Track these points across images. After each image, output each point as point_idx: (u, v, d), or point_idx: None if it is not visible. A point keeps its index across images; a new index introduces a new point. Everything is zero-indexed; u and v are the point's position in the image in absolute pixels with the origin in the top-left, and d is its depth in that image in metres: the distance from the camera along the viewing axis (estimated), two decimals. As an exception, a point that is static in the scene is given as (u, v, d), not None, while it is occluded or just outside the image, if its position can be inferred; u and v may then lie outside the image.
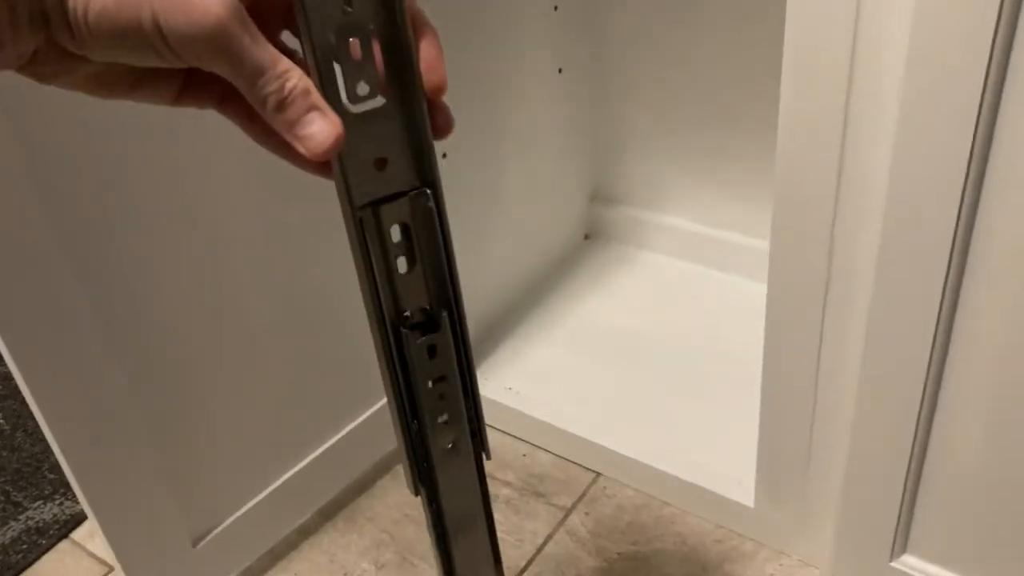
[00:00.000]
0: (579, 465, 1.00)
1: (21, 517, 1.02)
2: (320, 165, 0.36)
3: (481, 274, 1.09)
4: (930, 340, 0.64)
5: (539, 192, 1.15)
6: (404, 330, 0.42)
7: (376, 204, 0.38)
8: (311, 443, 0.94)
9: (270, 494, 0.90)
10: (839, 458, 0.77)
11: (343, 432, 0.96)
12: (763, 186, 1.12)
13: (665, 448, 0.95)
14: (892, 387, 0.68)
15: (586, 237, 1.29)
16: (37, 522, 1.01)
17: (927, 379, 0.66)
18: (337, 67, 0.34)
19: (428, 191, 0.39)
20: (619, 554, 0.90)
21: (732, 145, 1.12)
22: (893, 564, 0.77)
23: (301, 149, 0.33)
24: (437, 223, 0.40)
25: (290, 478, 0.92)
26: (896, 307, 0.65)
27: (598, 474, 0.99)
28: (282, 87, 0.32)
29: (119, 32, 0.29)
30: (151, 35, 0.29)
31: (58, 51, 0.30)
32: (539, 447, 1.03)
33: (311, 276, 0.86)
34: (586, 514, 0.95)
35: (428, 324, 0.42)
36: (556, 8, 1.08)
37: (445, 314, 0.42)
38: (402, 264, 0.41)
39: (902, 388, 0.68)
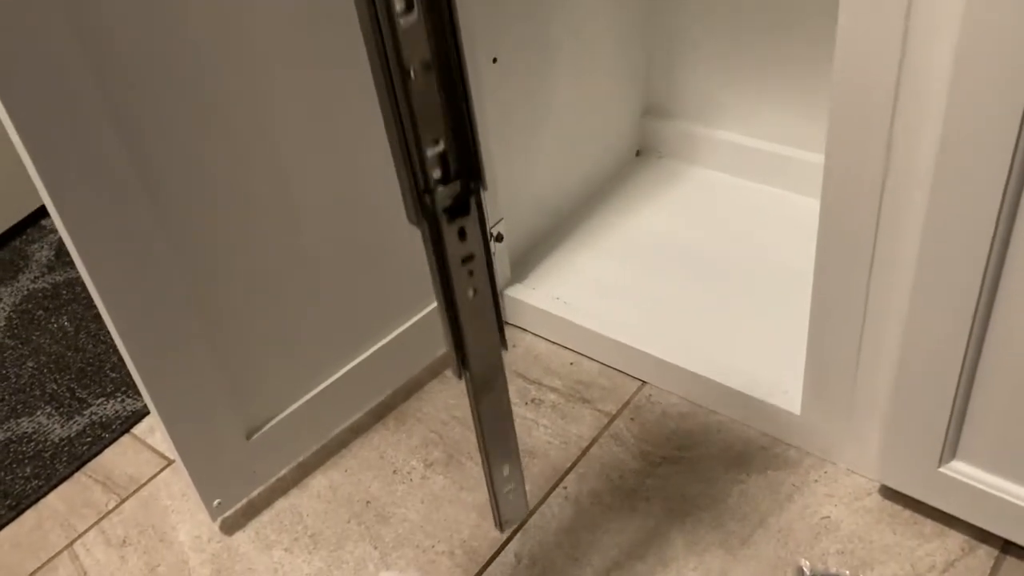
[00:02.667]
0: (625, 373, 1.01)
1: (86, 412, 1.06)
2: None
3: (531, 185, 1.09)
4: (988, 240, 0.63)
5: (590, 105, 1.14)
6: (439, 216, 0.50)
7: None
8: (362, 343, 0.96)
9: (322, 392, 0.93)
10: (888, 365, 0.76)
11: (394, 334, 0.98)
12: (819, 100, 1.09)
13: (711, 357, 0.95)
14: (947, 290, 0.67)
15: (638, 153, 1.27)
16: (101, 417, 1.05)
17: (984, 280, 0.65)
18: None
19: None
20: (663, 459, 0.91)
21: (788, 58, 1.09)
22: (942, 470, 0.77)
23: None
24: (462, 92, 0.48)
25: (342, 377, 0.94)
26: (954, 207, 0.63)
27: (644, 382, 0.99)
28: None
29: None
30: None
31: None
32: (585, 355, 1.04)
33: (366, 177, 0.87)
34: (631, 420, 0.96)
35: (457, 208, 0.50)
36: (611, -90, 1.05)
37: (472, 199, 0.51)
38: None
39: (957, 290, 0.66)
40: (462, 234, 0.52)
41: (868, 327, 0.76)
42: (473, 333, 0.57)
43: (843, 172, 0.70)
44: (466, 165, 0.51)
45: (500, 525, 0.72)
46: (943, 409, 0.73)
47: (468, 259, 0.53)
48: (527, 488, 0.89)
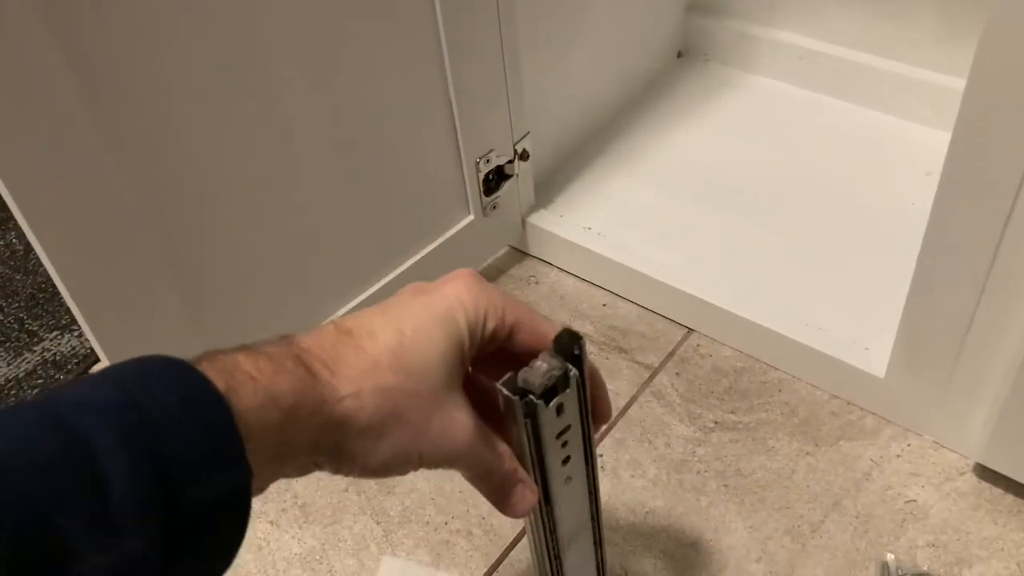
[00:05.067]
0: (668, 319, 0.86)
1: (36, 348, 0.91)
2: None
3: (559, 94, 0.92)
4: None
5: (629, -3, 0.96)
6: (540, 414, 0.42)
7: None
8: (360, 285, 0.80)
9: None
10: (1016, 329, 0.61)
11: (396, 272, 0.82)
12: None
13: (773, 303, 0.81)
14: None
15: (679, 55, 1.09)
16: (54, 354, 0.91)
17: None
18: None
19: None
20: (715, 422, 0.77)
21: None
22: (1063, 455, 0.64)
23: (504, 512, 0.41)
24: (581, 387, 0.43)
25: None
26: None
27: (691, 330, 0.85)
28: (502, 473, 0.41)
29: (389, 468, 0.37)
30: (412, 464, 0.38)
31: (310, 470, 0.37)
32: (621, 296, 0.89)
33: (357, 108, 0.70)
34: (676, 375, 0.82)
35: (554, 387, 0.42)
36: None
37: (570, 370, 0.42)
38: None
39: None
40: (559, 410, 0.43)
41: (993, 281, 0.61)
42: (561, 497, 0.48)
43: (990, 93, 0.54)
44: None
45: None
46: (1080, 387, 0.59)
47: (564, 431, 0.45)
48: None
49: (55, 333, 0.93)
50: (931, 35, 0.91)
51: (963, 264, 0.62)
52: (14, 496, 0.24)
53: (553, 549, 0.49)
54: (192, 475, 0.28)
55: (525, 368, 0.40)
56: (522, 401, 0.39)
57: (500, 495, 0.41)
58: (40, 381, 0.88)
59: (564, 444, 0.44)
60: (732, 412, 0.78)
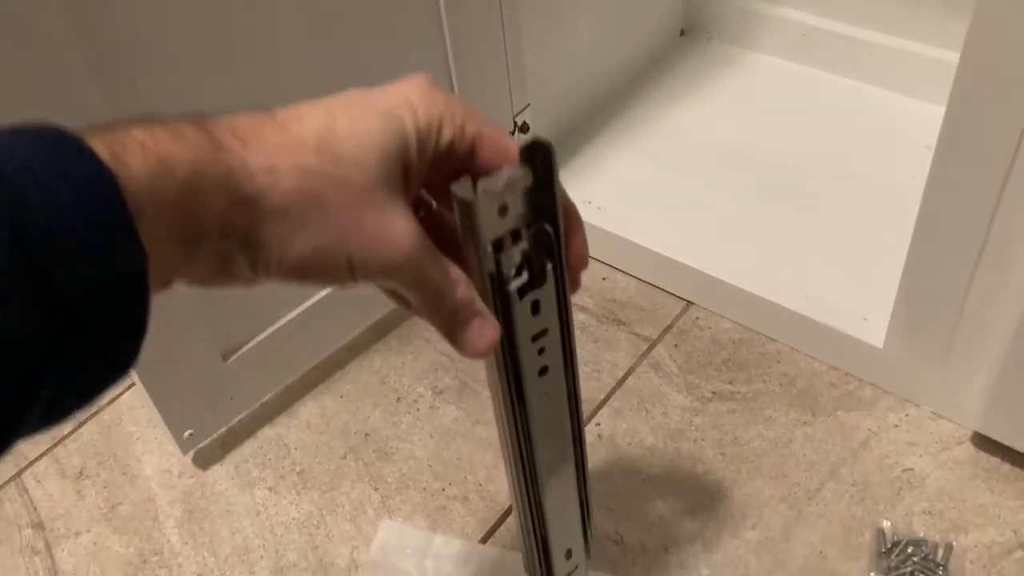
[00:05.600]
0: (667, 292, 0.86)
1: (40, 319, 0.92)
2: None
3: (559, 70, 0.92)
4: None
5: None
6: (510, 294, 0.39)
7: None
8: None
9: (314, 305, 0.78)
10: (1012, 299, 0.61)
11: (397, 240, 0.83)
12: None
13: (771, 275, 0.81)
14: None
15: (682, 33, 1.09)
16: (57, 325, 0.91)
17: None
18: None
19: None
20: (713, 393, 0.77)
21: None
22: (1060, 422, 0.64)
23: (460, 350, 0.36)
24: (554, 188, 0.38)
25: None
26: None
27: (689, 303, 0.85)
28: (453, 300, 0.35)
29: (307, 273, 0.32)
30: (342, 271, 0.32)
31: (229, 274, 0.31)
32: (620, 270, 0.89)
33: (358, 57, 0.70)
34: (675, 346, 0.82)
35: (531, 280, 0.39)
36: None
37: (549, 265, 0.39)
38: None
39: None
40: (535, 308, 0.40)
41: (988, 252, 0.61)
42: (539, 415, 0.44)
43: (984, 68, 0.54)
44: None
45: None
46: (1077, 352, 0.59)
47: (540, 335, 0.41)
48: (554, 425, 0.76)
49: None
50: (933, 11, 0.91)
51: (958, 234, 0.62)
52: None
53: (531, 476, 0.46)
54: (70, 249, 0.23)
55: (484, 177, 0.35)
56: (474, 192, 0.34)
57: (453, 326, 0.35)
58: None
59: (536, 305, 0.39)
60: (730, 383, 0.78)
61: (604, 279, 0.89)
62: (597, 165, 0.95)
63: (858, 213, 0.86)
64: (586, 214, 0.89)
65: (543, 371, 0.42)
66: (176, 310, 0.68)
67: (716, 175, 0.92)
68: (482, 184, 0.34)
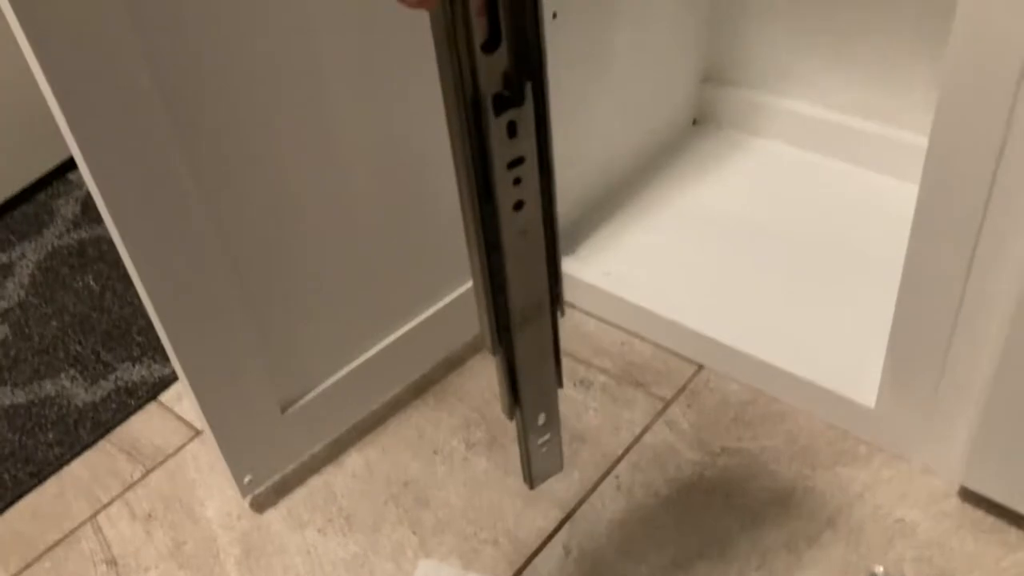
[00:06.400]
0: (680, 356, 0.95)
1: (111, 377, 1.02)
2: None
3: (581, 152, 1.02)
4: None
5: (647, 68, 1.07)
6: (484, 104, 0.36)
7: None
8: (404, 316, 0.90)
9: (361, 365, 0.87)
10: (984, 363, 0.69)
11: (436, 307, 0.92)
12: (895, 67, 1.01)
13: (775, 341, 0.89)
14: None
15: (695, 122, 1.20)
16: (127, 383, 1.01)
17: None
18: None
19: None
20: (722, 449, 0.85)
21: (862, 21, 1.01)
22: (1034, 475, 0.71)
23: None
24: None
25: (382, 350, 0.88)
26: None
27: (701, 366, 0.93)
28: None
29: None
30: None
31: None
32: (638, 335, 0.97)
33: (408, 143, 0.81)
34: (688, 406, 0.90)
35: (509, 98, 0.37)
36: None
37: (528, 86, 0.37)
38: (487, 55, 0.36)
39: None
40: (511, 130, 0.38)
41: (963, 318, 0.69)
42: (515, 256, 0.43)
43: (949, 154, 0.63)
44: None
45: (530, 481, 0.62)
46: (1043, 410, 0.67)
47: (516, 162, 0.39)
48: (577, 476, 0.84)
49: (127, 363, 1.03)
50: (921, 102, 1.00)
51: (935, 301, 0.70)
52: None
53: (503, 326, 0.44)
54: None
55: None
56: None
57: None
58: (114, 405, 0.98)
59: (512, 127, 0.37)
60: (738, 440, 0.86)
61: (623, 344, 0.97)
62: (616, 239, 1.04)
63: (852, 282, 0.94)
64: (606, 284, 0.99)
65: (518, 205, 0.40)
66: (243, 366, 0.77)
67: (724, 249, 1.01)
68: None
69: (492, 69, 0.35)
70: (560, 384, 0.54)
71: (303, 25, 0.69)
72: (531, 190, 0.40)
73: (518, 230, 0.41)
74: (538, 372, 0.50)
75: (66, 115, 0.58)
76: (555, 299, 0.46)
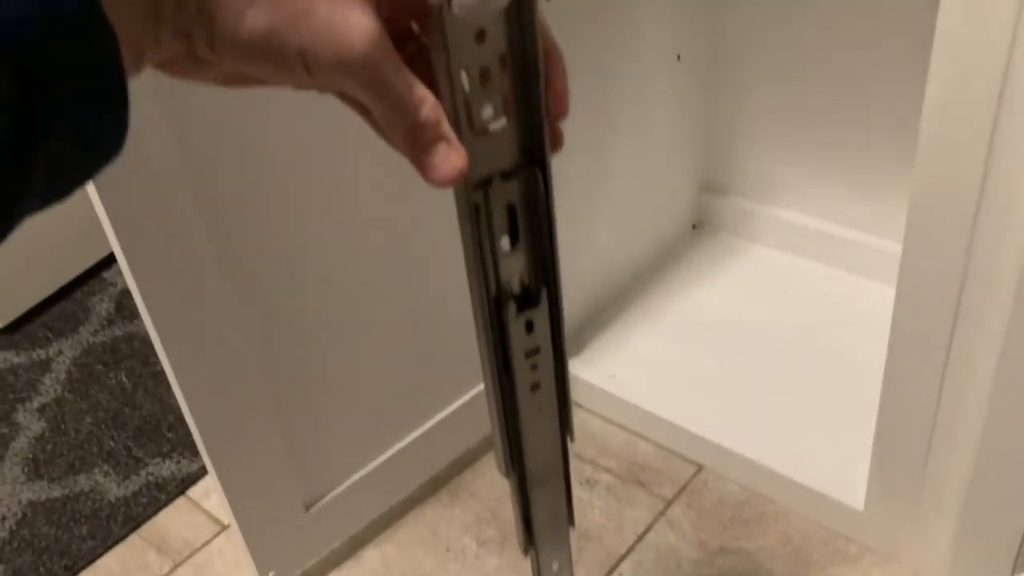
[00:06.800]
0: (681, 456, 1.00)
1: (142, 472, 1.07)
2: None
3: (586, 258, 1.09)
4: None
5: (649, 178, 1.15)
6: (506, 304, 0.43)
7: (487, 183, 0.39)
8: (420, 417, 0.96)
9: (381, 464, 0.93)
10: (961, 466, 0.74)
11: (450, 409, 0.98)
12: (882, 181, 1.09)
13: (771, 444, 0.94)
14: (1027, 397, 0.66)
15: (694, 227, 1.27)
16: (157, 478, 1.06)
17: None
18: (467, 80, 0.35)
19: (538, 171, 0.39)
20: (721, 548, 0.90)
21: (850, 138, 1.09)
22: (1014, 579, 0.75)
23: (425, 175, 0.34)
24: (544, 203, 0.40)
25: (400, 450, 0.94)
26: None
27: (700, 466, 0.98)
28: (416, 117, 0.33)
29: (262, 56, 0.30)
30: (295, 62, 0.30)
31: (194, 58, 0.31)
32: (641, 436, 1.03)
33: (428, 265, 0.88)
34: (687, 506, 0.94)
35: (527, 299, 0.43)
36: (678, -6, 1.06)
37: (544, 291, 0.43)
38: (505, 243, 0.42)
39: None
40: (529, 326, 0.45)
41: (940, 424, 0.75)
42: (531, 429, 0.49)
43: (920, 265, 0.69)
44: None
45: None
46: (1020, 515, 0.72)
47: (533, 352, 0.46)
48: (583, 574, 0.88)
49: (157, 459, 1.09)
50: (900, 213, 1.07)
51: (913, 407, 0.76)
52: None
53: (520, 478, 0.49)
54: (42, 32, 0.24)
55: None
56: (438, 5, 0.32)
57: (418, 147, 0.33)
58: (145, 500, 1.04)
59: (530, 324, 0.42)
60: (736, 539, 0.90)
61: (627, 443, 1.03)
62: (620, 342, 1.10)
63: (842, 385, 1.00)
64: (611, 386, 1.05)
65: (535, 387, 0.45)
66: (270, 465, 0.83)
67: (722, 352, 1.07)
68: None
69: (511, 266, 0.42)
70: (572, 523, 0.58)
71: (337, 166, 0.77)
72: (546, 374, 0.45)
73: (535, 408, 0.46)
74: (554, 527, 0.55)
75: (111, 219, 0.65)
76: (566, 461, 0.52)
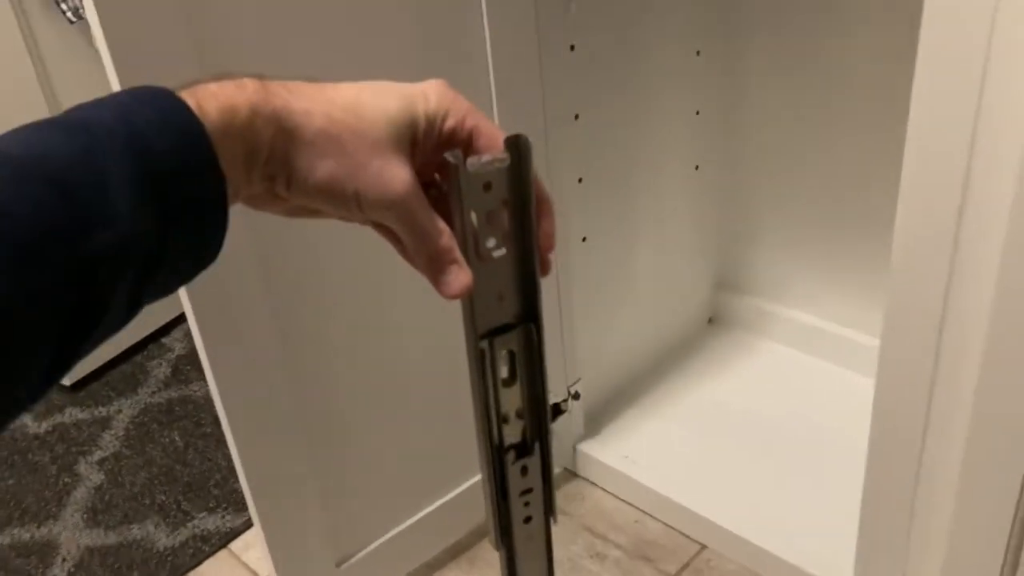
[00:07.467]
0: (686, 536, 1.07)
1: (189, 524, 1.17)
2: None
3: (607, 348, 1.19)
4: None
5: (667, 277, 1.25)
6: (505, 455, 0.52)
7: (492, 334, 0.48)
8: (444, 487, 1.05)
9: (407, 528, 1.01)
10: (937, 553, 0.81)
11: (472, 480, 1.06)
12: (877, 286, 1.17)
13: (769, 527, 1.01)
14: (992, 490, 0.73)
15: (710, 321, 1.37)
16: (202, 531, 1.16)
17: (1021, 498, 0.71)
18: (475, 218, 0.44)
19: (533, 326, 0.48)
20: (718, 624, 0.96)
21: (854, 246, 1.18)
22: (986, 664, 0.81)
23: (439, 290, 0.44)
24: (537, 350, 0.49)
25: (424, 516, 1.03)
26: (997, 426, 0.70)
27: (703, 546, 1.05)
28: (436, 245, 0.42)
29: (325, 196, 0.40)
30: (351, 201, 0.40)
31: (273, 195, 0.40)
32: (650, 515, 1.10)
33: (455, 348, 0.98)
34: (690, 582, 1.01)
35: (523, 449, 0.52)
36: (698, 112, 1.18)
37: (537, 443, 0.51)
38: (507, 388, 0.52)
39: (1002, 491, 0.73)
40: (523, 471, 0.53)
41: (917, 515, 0.82)
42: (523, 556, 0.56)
43: (896, 362, 0.77)
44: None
45: None
46: (988, 604, 0.78)
47: (526, 491, 0.54)
48: (588, 640, 0.95)
49: (204, 513, 1.18)
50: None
51: (893, 499, 0.83)
52: (43, 182, 0.32)
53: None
54: (175, 175, 0.34)
55: (473, 156, 0.43)
56: (455, 165, 0.41)
57: (436, 268, 0.43)
58: (191, 551, 1.13)
59: (524, 469, 0.50)
60: (733, 616, 0.97)
61: (636, 521, 1.10)
62: (635, 427, 1.19)
63: (841, 475, 1.06)
64: (625, 467, 1.13)
65: (527, 519, 0.52)
66: (309, 525, 0.92)
67: (729, 439, 1.15)
68: (470, 159, 0.42)
69: (510, 400, 0.51)
70: None
71: (379, 270, 0.88)
72: (537, 511, 0.53)
73: (526, 536, 0.54)
74: None
75: (196, 315, 0.76)
76: (549, 542, 0.57)
